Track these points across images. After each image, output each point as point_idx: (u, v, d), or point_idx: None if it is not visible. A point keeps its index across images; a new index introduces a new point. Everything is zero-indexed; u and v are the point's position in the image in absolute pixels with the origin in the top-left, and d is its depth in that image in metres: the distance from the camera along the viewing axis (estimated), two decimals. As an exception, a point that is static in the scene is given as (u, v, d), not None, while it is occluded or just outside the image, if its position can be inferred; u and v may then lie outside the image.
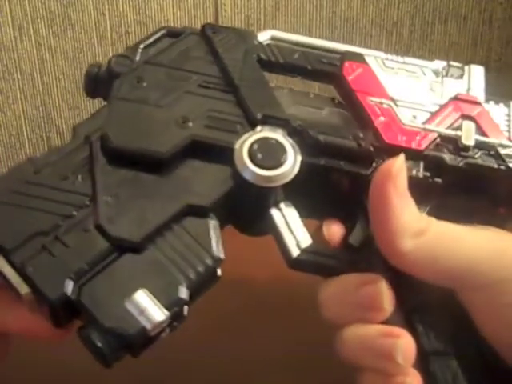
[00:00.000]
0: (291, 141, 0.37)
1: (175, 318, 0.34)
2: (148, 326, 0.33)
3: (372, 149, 0.37)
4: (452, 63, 0.40)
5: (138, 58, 0.39)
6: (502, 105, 0.39)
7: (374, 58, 0.39)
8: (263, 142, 0.36)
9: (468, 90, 0.39)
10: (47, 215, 0.35)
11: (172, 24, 0.77)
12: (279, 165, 0.36)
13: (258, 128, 0.37)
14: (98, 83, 0.39)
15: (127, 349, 0.34)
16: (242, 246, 0.44)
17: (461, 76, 0.39)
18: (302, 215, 0.38)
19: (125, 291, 0.33)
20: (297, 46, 0.40)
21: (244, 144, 0.36)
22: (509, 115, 0.38)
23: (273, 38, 0.40)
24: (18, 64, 0.77)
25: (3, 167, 0.79)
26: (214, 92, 0.38)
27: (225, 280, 0.36)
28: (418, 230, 0.35)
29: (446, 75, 0.39)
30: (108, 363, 0.34)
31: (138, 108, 0.37)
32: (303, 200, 0.38)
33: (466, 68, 0.40)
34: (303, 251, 0.37)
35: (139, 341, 0.33)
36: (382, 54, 0.40)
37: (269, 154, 0.36)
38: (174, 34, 0.40)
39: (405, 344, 0.35)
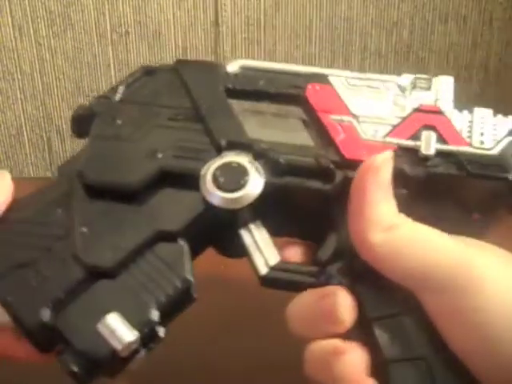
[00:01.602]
0: (256, 164, 0.39)
1: (148, 338, 0.36)
2: (118, 347, 0.35)
3: (331, 166, 0.38)
4: (419, 76, 0.41)
5: (116, 97, 0.42)
6: (465, 112, 0.39)
7: (338, 78, 0.41)
8: (226, 166, 0.38)
9: (436, 100, 0.40)
10: (28, 248, 0.38)
11: (172, 24, 0.77)
12: (241, 186, 0.38)
13: (223, 154, 0.39)
14: (83, 124, 0.42)
15: (101, 370, 0.36)
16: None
17: (429, 87, 0.40)
18: (272, 234, 0.40)
19: (97, 315, 0.36)
20: (264, 73, 0.42)
21: (208, 170, 0.38)
22: (471, 121, 0.39)
23: (242, 67, 0.42)
24: (18, 64, 0.77)
25: (3, 167, 0.79)
26: (183, 123, 0.40)
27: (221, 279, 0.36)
28: (390, 225, 0.35)
29: (414, 88, 0.40)
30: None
31: (112, 144, 0.40)
32: (273, 219, 0.40)
33: (435, 79, 0.41)
34: (271, 269, 0.39)
35: (111, 362, 0.36)
36: (347, 73, 0.41)
37: (230, 177, 0.38)
38: (150, 71, 0.43)
39: (349, 360, 0.35)
